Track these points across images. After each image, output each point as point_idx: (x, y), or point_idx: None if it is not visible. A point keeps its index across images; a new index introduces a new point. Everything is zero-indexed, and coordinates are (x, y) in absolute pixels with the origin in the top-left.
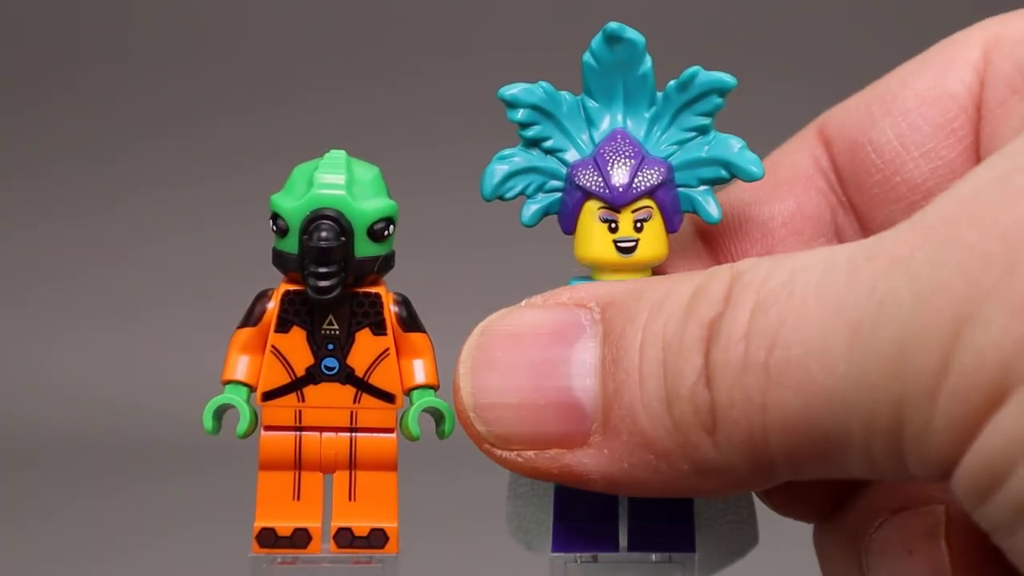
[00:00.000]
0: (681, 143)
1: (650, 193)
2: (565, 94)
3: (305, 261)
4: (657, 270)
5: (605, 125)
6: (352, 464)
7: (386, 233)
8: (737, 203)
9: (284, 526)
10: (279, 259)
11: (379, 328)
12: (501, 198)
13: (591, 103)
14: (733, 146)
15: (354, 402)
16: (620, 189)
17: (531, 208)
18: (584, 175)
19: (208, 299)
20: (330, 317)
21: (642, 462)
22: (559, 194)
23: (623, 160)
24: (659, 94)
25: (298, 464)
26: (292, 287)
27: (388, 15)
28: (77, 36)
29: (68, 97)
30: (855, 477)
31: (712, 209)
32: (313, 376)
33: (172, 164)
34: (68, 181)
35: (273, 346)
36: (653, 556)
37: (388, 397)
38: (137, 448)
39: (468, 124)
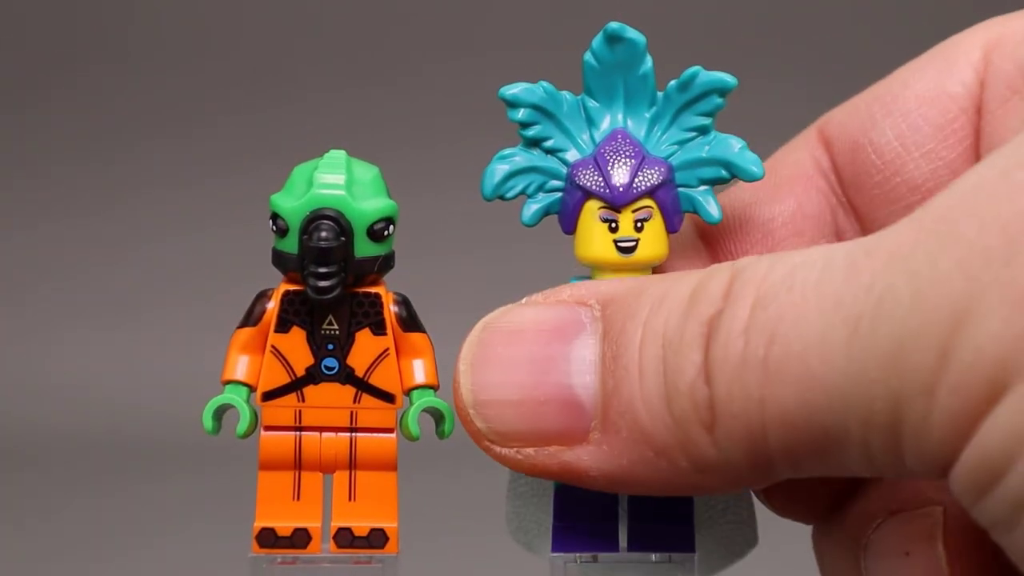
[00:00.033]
0: (681, 143)
1: (650, 193)
2: (566, 94)
3: (305, 261)
4: (657, 270)
5: (606, 125)
6: (352, 464)
7: (386, 233)
8: (738, 204)
9: (284, 526)
10: (279, 259)
11: (379, 328)
12: (502, 198)
13: (592, 103)
14: (733, 146)
15: (354, 402)
16: (620, 189)
17: (531, 208)
18: (584, 175)
19: (208, 299)
20: (330, 317)
21: (641, 459)
22: (559, 194)
23: (623, 160)
24: (660, 94)
25: (298, 464)
26: (292, 287)
27: (388, 15)
28: (77, 36)
29: (68, 97)
30: (854, 475)
31: (712, 209)
32: (313, 376)
33: (172, 164)
34: (68, 181)
35: (273, 346)
36: (653, 556)
37: (388, 397)
38: (137, 448)
39: (468, 124)
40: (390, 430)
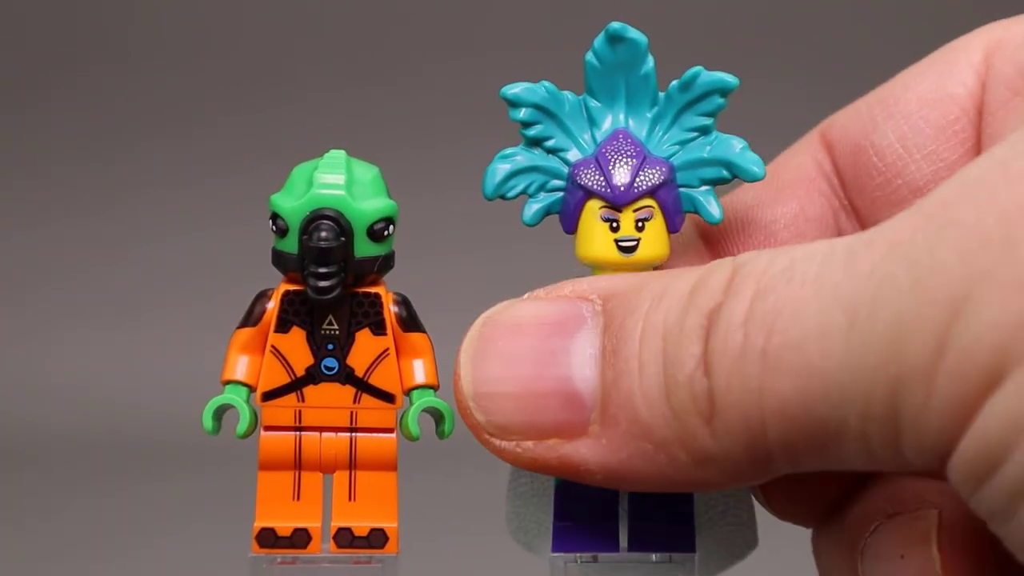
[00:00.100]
0: (683, 143)
1: (651, 193)
2: (567, 94)
3: (305, 261)
4: (658, 270)
5: (607, 125)
6: (352, 464)
7: (386, 233)
8: (740, 206)
9: (284, 526)
10: (279, 259)
11: (379, 328)
12: (503, 197)
13: (593, 103)
14: (735, 146)
15: (354, 402)
16: (622, 188)
17: (532, 207)
18: (586, 174)
19: (208, 299)
20: (330, 317)
21: (640, 452)
22: (561, 194)
23: (625, 159)
24: (661, 94)
25: (298, 464)
26: (292, 287)
27: (388, 15)
28: (77, 36)
29: (68, 97)
30: (853, 468)
31: (713, 209)
32: (313, 376)
33: (172, 164)
34: (68, 181)
35: (273, 346)
36: (653, 556)
37: (388, 397)
38: (137, 448)
39: (468, 124)
40: (390, 430)
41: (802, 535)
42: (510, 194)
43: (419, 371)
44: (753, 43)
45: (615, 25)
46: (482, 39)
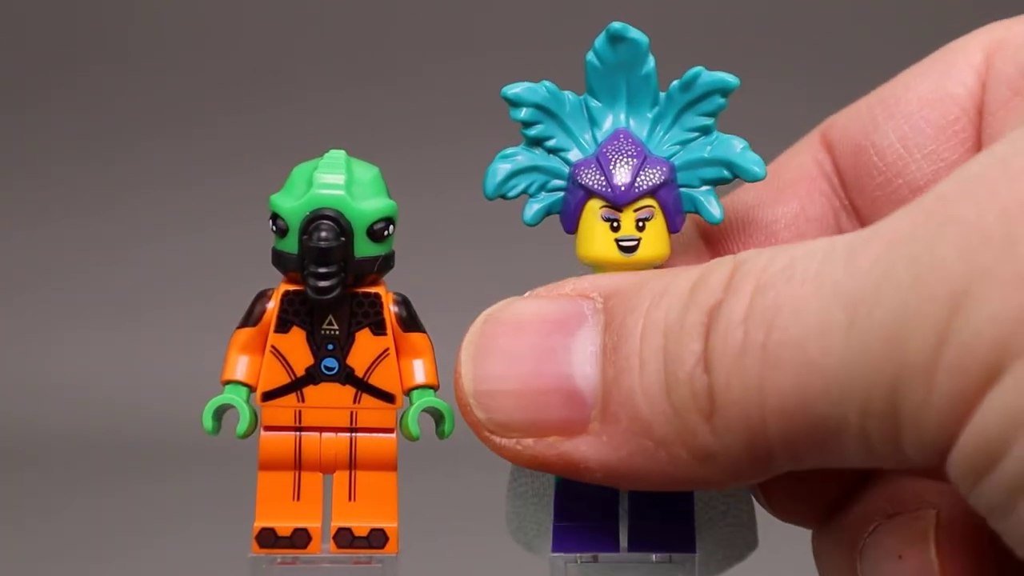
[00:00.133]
0: (684, 143)
1: (652, 192)
2: (568, 94)
3: (305, 261)
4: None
5: (608, 125)
6: (352, 464)
7: (386, 233)
8: (740, 206)
9: (284, 526)
10: (279, 259)
11: (379, 328)
12: (503, 197)
13: (594, 103)
14: (735, 146)
15: (354, 402)
16: (622, 188)
17: (533, 207)
18: (586, 174)
19: (208, 299)
20: (330, 317)
21: (640, 449)
22: (561, 193)
23: (625, 159)
24: (662, 94)
25: (298, 464)
26: (292, 287)
27: (388, 15)
28: (77, 36)
29: (68, 97)
30: (853, 465)
31: (714, 209)
32: (313, 376)
33: (172, 164)
34: (68, 181)
35: (273, 346)
36: (653, 556)
37: (388, 397)
38: (137, 448)
39: (468, 124)
40: (390, 430)
41: (802, 535)
42: (511, 194)
43: (419, 371)
44: (753, 43)
45: (616, 25)
46: (482, 39)
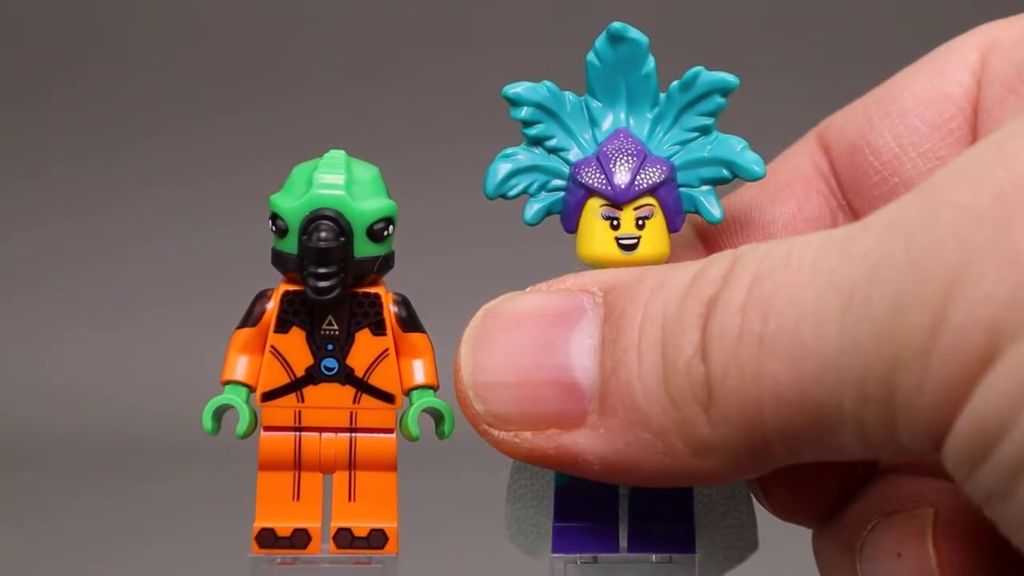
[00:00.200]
0: (683, 143)
1: (652, 191)
2: (569, 94)
3: (304, 261)
4: None
5: (608, 124)
6: (352, 464)
7: (386, 233)
8: (738, 206)
9: (284, 526)
10: (278, 259)
11: (379, 328)
12: (504, 196)
13: (594, 103)
14: (735, 146)
15: (354, 402)
16: (622, 186)
17: (533, 207)
18: (587, 172)
19: (208, 299)
20: (329, 317)
21: (638, 441)
22: (562, 193)
23: (625, 158)
24: (662, 94)
25: (298, 464)
26: (291, 287)
27: (388, 15)
28: (77, 36)
29: (68, 97)
30: (850, 457)
31: (714, 209)
32: (312, 376)
33: (172, 164)
34: (68, 181)
35: (272, 346)
36: (653, 557)
37: (388, 397)
38: (137, 448)
39: (468, 124)
40: (390, 430)
41: (803, 535)
42: (511, 193)
43: (419, 371)
44: (753, 43)
45: (616, 25)
46: (482, 39)
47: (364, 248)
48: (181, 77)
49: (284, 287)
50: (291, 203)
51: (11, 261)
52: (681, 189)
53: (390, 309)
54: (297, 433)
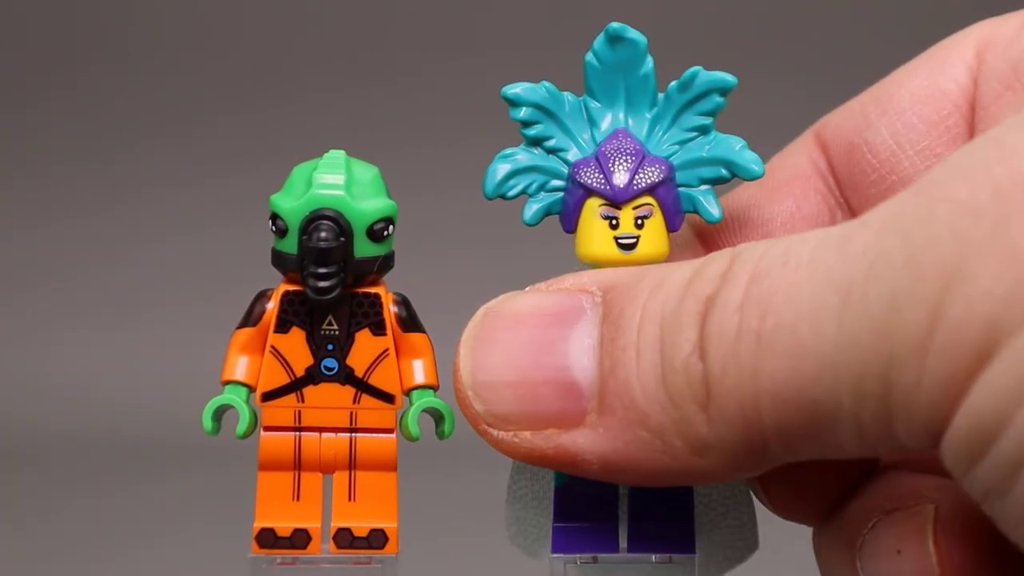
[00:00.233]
0: (682, 143)
1: (651, 190)
2: (567, 94)
3: (304, 261)
4: None
5: (607, 124)
6: (352, 464)
7: (385, 233)
8: (736, 205)
9: (284, 526)
10: (278, 259)
11: (379, 328)
12: (503, 196)
13: (593, 103)
14: (734, 145)
15: (354, 402)
16: (621, 185)
17: (532, 207)
18: (586, 172)
19: (208, 299)
20: (329, 317)
21: (637, 440)
22: (561, 194)
23: (624, 158)
24: (660, 95)
25: (298, 464)
26: (291, 287)
27: (388, 15)
28: (77, 36)
29: (68, 97)
30: (848, 455)
31: (713, 209)
32: (312, 376)
33: (172, 164)
34: (68, 181)
35: (272, 346)
36: (653, 557)
37: (388, 397)
38: (137, 448)
39: (468, 124)
40: (390, 430)
41: (803, 534)
42: (510, 194)
43: (419, 371)
44: (753, 43)
45: (615, 25)
46: (482, 39)
47: (364, 248)
48: (181, 77)
49: (284, 287)
50: (291, 203)
51: (11, 261)
52: (680, 189)
53: (390, 309)
54: (297, 433)
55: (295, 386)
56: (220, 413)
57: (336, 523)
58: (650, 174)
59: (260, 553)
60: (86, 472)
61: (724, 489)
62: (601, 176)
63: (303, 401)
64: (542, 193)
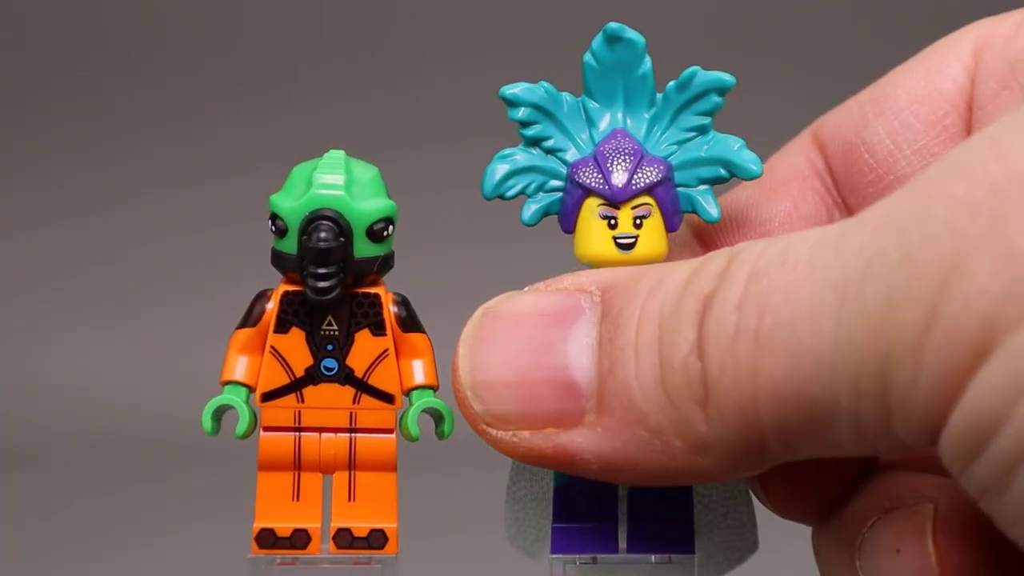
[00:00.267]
0: (681, 143)
1: (649, 190)
2: (566, 94)
3: (304, 262)
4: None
5: (605, 125)
6: (351, 465)
7: (385, 233)
8: (734, 205)
9: (283, 527)
10: (278, 259)
11: (378, 328)
12: (501, 197)
13: (591, 103)
14: (732, 145)
15: (353, 403)
16: (619, 185)
17: (531, 208)
18: (584, 172)
19: (208, 299)
20: (329, 318)
21: (635, 439)
22: (559, 194)
23: (623, 157)
24: (659, 95)
25: (297, 465)
26: (291, 287)
27: (388, 15)
28: (77, 36)
29: (68, 97)
30: (846, 453)
31: (712, 209)
32: (312, 377)
33: (172, 164)
34: (68, 181)
35: (272, 347)
36: (652, 557)
37: (387, 398)
38: (137, 448)
39: (468, 124)
40: (389, 431)
41: (802, 534)
42: (509, 194)
43: (419, 371)
44: (752, 43)
45: (613, 25)
46: (482, 39)
47: (364, 248)
48: (181, 77)
49: (284, 287)
50: (291, 203)
51: (11, 261)
52: (679, 189)
53: (390, 309)
54: (297, 433)
55: (295, 386)
56: (220, 413)
57: (336, 523)
58: (648, 174)
59: (260, 553)
60: (86, 472)
61: (724, 490)
62: (599, 176)
63: (303, 401)
64: (541, 193)
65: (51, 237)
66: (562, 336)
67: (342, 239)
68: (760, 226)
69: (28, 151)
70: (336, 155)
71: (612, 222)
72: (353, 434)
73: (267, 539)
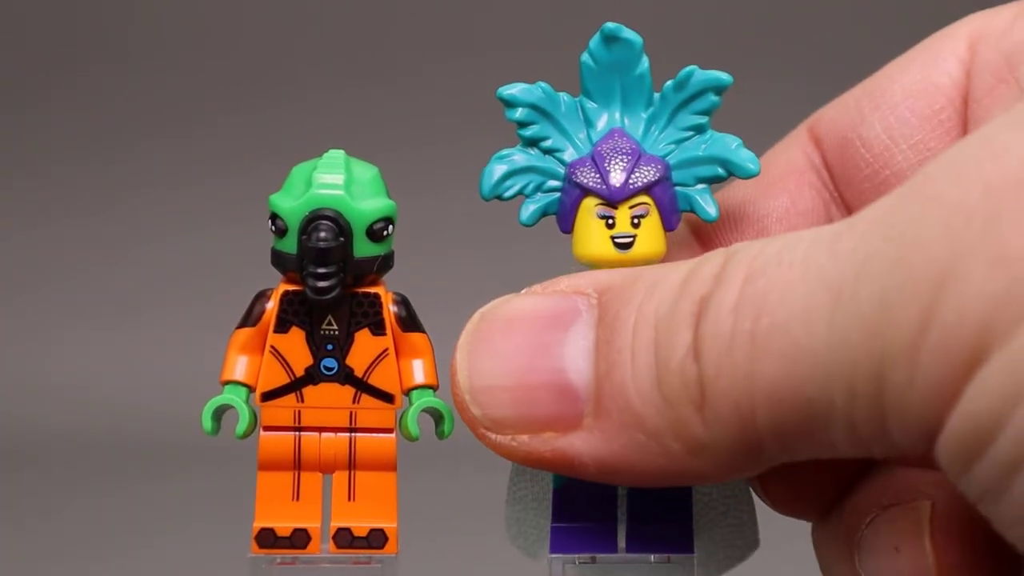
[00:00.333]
0: (678, 142)
1: (647, 189)
2: (563, 95)
3: (304, 261)
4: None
5: (603, 124)
6: (351, 464)
7: (385, 233)
8: (731, 202)
9: (283, 526)
10: (278, 259)
11: (378, 328)
12: (499, 197)
13: (589, 103)
14: (730, 144)
15: (353, 402)
16: (617, 185)
17: (529, 208)
18: (582, 172)
19: (208, 299)
20: (329, 317)
21: (633, 442)
22: (557, 194)
23: (620, 157)
24: (656, 94)
25: (297, 464)
26: (291, 287)
27: (388, 15)
28: (77, 36)
29: (68, 97)
30: (843, 454)
31: (710, 208)
32: (312, 376)
33: (172, 164)
34: (68, 181)
35: (272, 346)
36: (652, 557)
37: (387, 397)
38: (137, 448)
39: (468, 124)
40: (389, 430)
41: (802, 533)
42: (507, 194)
43: (418, 371)
44: (750, 43)
45: (610, 25)
46: (482, 39)
47: (364, 248)
48: (181, 77)
49: (284, 287)
50: (290, 203)
51: (11, 261)
52: (677, 188)
53: (390, 309)
54: (297, 433)
55: (295, 386)
56: (220, 413)
57: (336, 523)
58: (646, 173)
59: (260, 553)
60: (86, 472)
61: (724, 488)
62: (597, 176)
63: (303, 401)
64: (539, 194)
65: (51, 237)
66: (559, 339)
67: (342, 239)
68: (757, 222)
69: (28, 151)
70: (336, 155)
71: (610, 222)
72: (353, 434)
73: (267, 539)
